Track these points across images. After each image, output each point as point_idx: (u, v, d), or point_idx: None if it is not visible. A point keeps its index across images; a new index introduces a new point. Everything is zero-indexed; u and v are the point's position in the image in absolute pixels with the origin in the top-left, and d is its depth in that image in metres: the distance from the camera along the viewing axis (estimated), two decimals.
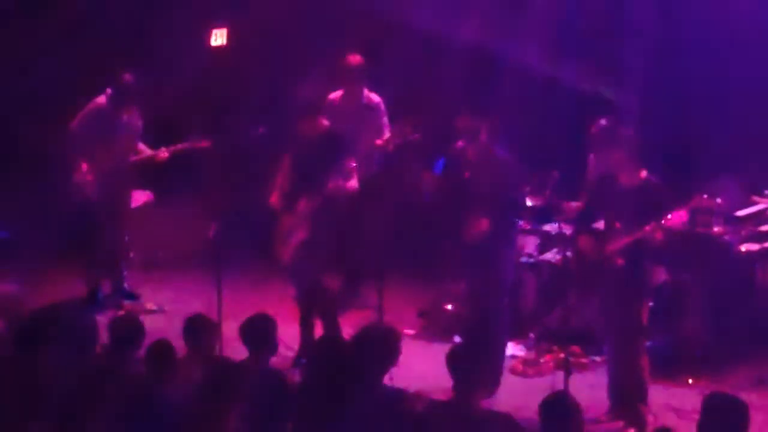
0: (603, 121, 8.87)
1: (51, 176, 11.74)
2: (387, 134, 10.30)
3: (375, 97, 10.46)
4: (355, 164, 9.29)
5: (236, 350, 7.30)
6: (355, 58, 10.38)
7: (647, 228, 7.70)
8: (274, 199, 9.18)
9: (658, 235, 7.73)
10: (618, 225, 7.87)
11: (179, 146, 10.53)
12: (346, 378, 6.34)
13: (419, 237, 11.00)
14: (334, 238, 9.15)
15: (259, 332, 7.06)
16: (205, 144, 10.56)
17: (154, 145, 10.57)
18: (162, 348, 6.85)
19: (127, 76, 10.22)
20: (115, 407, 6.54)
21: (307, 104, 9.12)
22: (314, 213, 8.89)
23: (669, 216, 7.64)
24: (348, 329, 8.93)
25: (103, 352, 7.09)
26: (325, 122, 9.23)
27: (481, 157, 8.52)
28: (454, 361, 6.33)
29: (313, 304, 9.20)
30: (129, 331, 7.10)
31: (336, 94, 10.45)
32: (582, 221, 8.28)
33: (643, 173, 7.92)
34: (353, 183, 9.12)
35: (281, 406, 6.29)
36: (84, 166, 10.32)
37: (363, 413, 6.22)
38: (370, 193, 9.99)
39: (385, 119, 10.41)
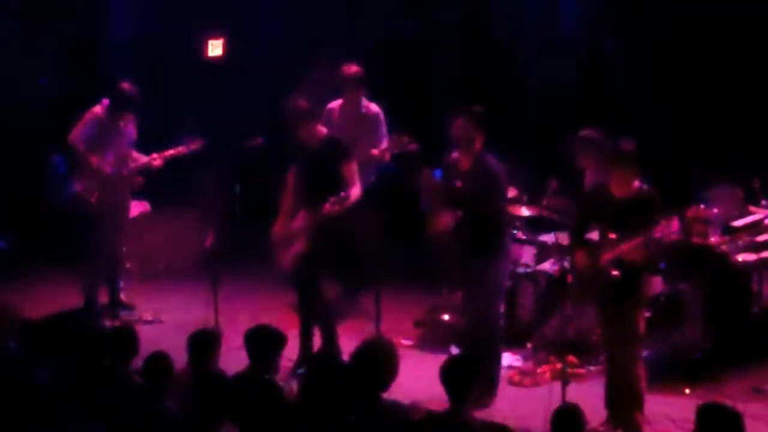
0: (585, 132, 8.89)
1: (49, 185, 11.79)
2: (384, 144, 10.26)
3: (374, 107, 10.37)
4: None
5: (234, 360, 7.29)
6: (352, 68, 10.29)
7: (638, 240, 7.69)
8: (278, 227, 9.14)
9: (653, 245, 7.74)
10: (613, 236, 7.85)
11: (172, 151, 10.53)
12: (342, 395, 6.31)
13: (416, 247, 11.02)
14: (332, 252, 9.11)
15: (265, 346, 6.97)
16: (198, 145, 10.54)
17: (147, 154, 10.57)
18: (159, 361, 6.83)
19: (125, 85, 10.22)
20: (111, 418, 6.55)
21: (302, 111, 9.04)
22: (312, 228, 8.87)
23: (658, 227, 7.63)
24: (345, 339, 8.94)
25: (99, 363, 7.10)
26: (324, 129, 9.21)
27: (474, 166, 8.49)
28: (447, 375, 6.32)
29: (313, 314, 9.19)
30: (125, 342, 7.09)
31: (335, 104, 10.38)
32: (577, 232, 8.26)
33: (636, 183, 7.91)
34: (356, 190, 9.05)
35: (277, 419, 6.28)
36: (83, 175, 10.32)
37: (359, 427, 6.21)
38: (367, 203, 9.96)
39: (384, 129, 10.32)
